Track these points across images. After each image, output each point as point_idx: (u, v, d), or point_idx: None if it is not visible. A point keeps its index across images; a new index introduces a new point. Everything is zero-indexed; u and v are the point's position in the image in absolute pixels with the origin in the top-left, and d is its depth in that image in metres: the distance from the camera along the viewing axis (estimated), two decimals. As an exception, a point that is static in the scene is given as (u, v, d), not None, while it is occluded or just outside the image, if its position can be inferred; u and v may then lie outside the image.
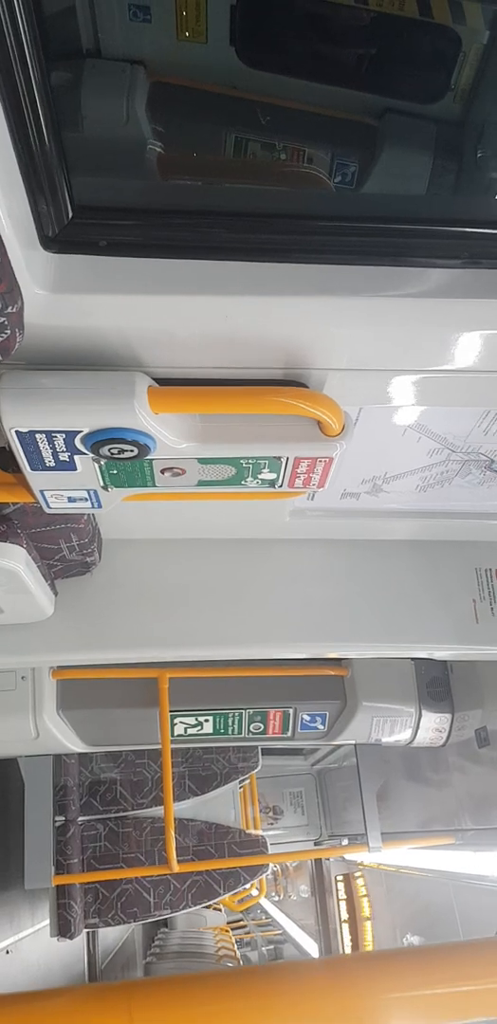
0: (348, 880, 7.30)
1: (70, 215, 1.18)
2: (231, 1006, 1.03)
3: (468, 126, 1.76)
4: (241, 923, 10.31)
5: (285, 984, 1.08)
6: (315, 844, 6.76)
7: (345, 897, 7.13)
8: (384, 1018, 1.15)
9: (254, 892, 5.20)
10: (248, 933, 10.40)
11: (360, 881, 6.99)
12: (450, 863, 4.34)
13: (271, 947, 10.06)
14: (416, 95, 1.76)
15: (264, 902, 8.59)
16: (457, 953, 1.21)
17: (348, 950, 7.17)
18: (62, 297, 1.20)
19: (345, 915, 7.11)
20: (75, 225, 1.19)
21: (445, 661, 3.59)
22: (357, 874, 7.00)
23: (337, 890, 7.52)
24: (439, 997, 1.12)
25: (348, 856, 6.85)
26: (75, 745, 3.41)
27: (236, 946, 7.81)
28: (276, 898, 9.91)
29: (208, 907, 7.10)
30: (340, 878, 7.58)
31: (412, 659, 3.52)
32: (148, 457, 1.40)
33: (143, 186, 1.46)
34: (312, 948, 7.78)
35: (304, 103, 1.76)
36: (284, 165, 1.66)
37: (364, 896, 6.86)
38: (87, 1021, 0.99)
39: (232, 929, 9.05)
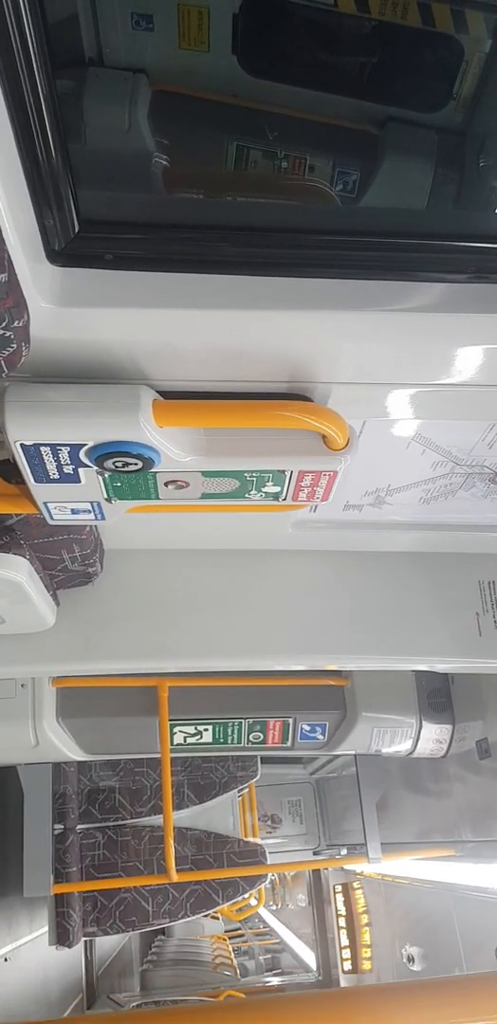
0: (346, 890, 7.27)
1: (76, 229, 1.18)
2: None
3: (470, 135, 1.77)
4: (239, 931, 10.27)
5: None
6: (314, 853, 6.73)
7: (344, 911, 7.10)
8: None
9: (253, 902, 5.18)
10: (246, 942, 10.36)
11: (359, 891, 6.96)
12: (450, 875, 4.32)
13: (268, 956, 10.02)
14: (418, 104, 1.76)
15: (262, 911, 8.55)
16: (467, 986, 1.20)
17: (346, 960, 7.14)
18: (68, 311, 1.20)
19: (343, 924, 7.07)
20: (81, 239, 1.18)
21: (446, 673, 3.59)
22: (355, 884, 6.97)
23: (335, 900, 7.49)
24: None
25: (347, 866, 6.83)
26: (74, 753, 3.40)
27: (233, 954, 7.78)
28: (274, 907, 9.87)
29: (206, 916, 7.09)
30: (338, 888, 7.55)
31: (413, 670, 3.51)
32: (152, 470, 1.40)
33: (148, 200, 1.46)
34: (309, 958, 7.75)
35: (306, 112, 1.77)
36: (288, 178, 1.66)
37: (363, 908, 6.83)
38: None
39: (230, 938, 9.02)
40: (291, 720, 3.48)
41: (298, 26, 1.58)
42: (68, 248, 1.18)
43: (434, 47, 1.62)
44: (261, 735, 3.51)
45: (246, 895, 4.17)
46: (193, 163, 1.73)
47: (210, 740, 3.53)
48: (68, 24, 1.47)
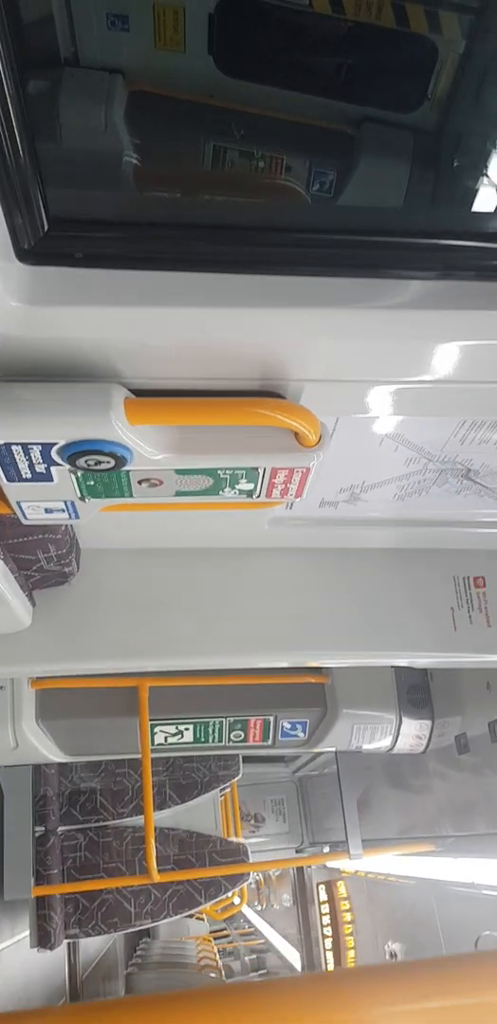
0: (330, 887, 7.30)
1: (46, 228, 1.17)
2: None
3: (445, 135, 1.78)
4: (224, 932, 10.26)
5: (259, 1002, 1.08)
6: (297, 852, 6.75)
7: (327, 909, 7.13)
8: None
9: (235, 901, 5.18)
10: (231, 943, 10.36)
11: (342, 889, 6.99)
12: (431, 870, 4.36)
13: (254, 956, 10.03)
14: (393, 104, 1.77)
15: (247, 911, 8.57)
16: (444, 967, 1.21)
17: (330, 957, 7.16)
18: (38, 310, 1.20)
19: (327, 922, 7.10)
20: (51, 238, 1.18)
21: (425, 668, 3.62)
22: (339, 882, 7.00)
23: (318, 897, 7.52)
24: (428, 1012, 1.12)
25: (330, 864, 6.85)
26: (54, 755, 3.39)
27: (218, 955, 7.78)
28: (259, 907, 9.88)
29: (190, 916, 7.08)
30: (322, 885, 7.58)
31: (392, 666, 3.54)
32: (125, 468, 1.40)
33: (119, 198, 1.45)
34: (294, 957, 7.77)
35: (282, 112, 1.78)
36: (261, 177, 1.67)
37: (346, 907, 6.86)
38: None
39: (215, 939, 9.02)
40: (272, 718, 3.49)
41: (274, 26, 1.59)
42: (37, 246, 1.18)
43: (409, 48, 1.63)
44: (242, 734, 3.52)
45: (229, 894, 4.18)
46: (169, 163, 1.73)
47: (191, 739, 3.54)
48: (43, 24, 1.46)
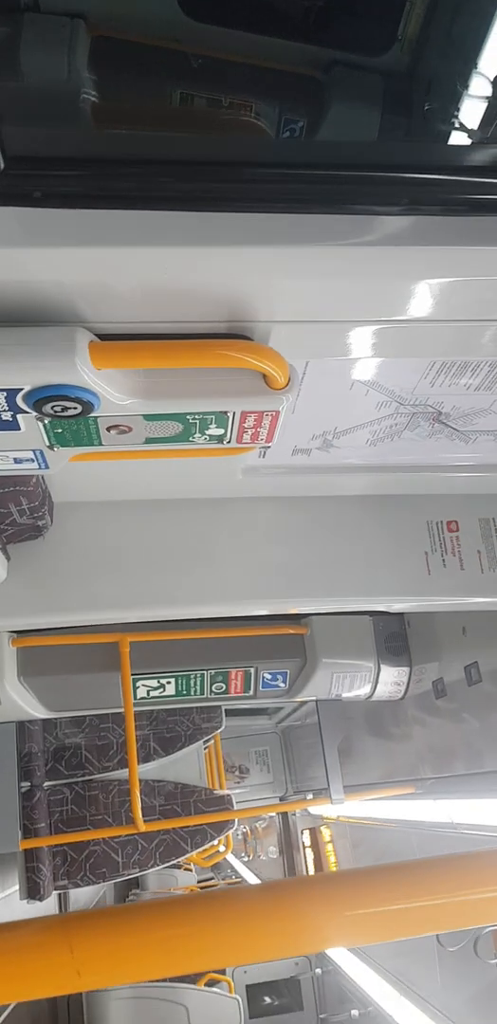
0: (314, 833, 7.46)
1: (2, 166, 1.15)
2: (172, 932, 1.05)
3: (415, 78, 1.76)
4: (212, 882, 10.48)
5: (227, 909, 1.11)
6: (281, 800, 6.88)
7: (312, 855, 7.30)
8: (327, 937, 1.20)
9: (221, 848, 5.28)
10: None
11: (326, 834, 7.15)
12: (412, 813, 4.46)
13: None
14: (362, 47, 1.74)
15: (234, 862, 8.75)
16: (408, 871, 1.26)
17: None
18: None
19: (311, 867, 7.28)
20: (8, 176, 1.16)
21: (403, 616, 3.66)
22: (322, 827, 7.15)
23: (303, 842, 7.69)
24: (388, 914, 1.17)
25: (314, 811, 7.00)
26: (38, 712, 3.41)
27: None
28: (246, 858, 10.09)
29: (178, 867, 7.21)
30: (306, 831, 7.75)
31: (370, 615, 3.58)
32: (93, 415, 1.39)
33: (79, 135, 1.43)
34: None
35: (250, 56, 1.74)
36: (225, 113, 1.64)
37: (330, 851, 7.02)
38: (28, 956, 1.01)
39: (202, 888, 9.20)
40: (252, 670, 3.53)
41: (239, -34, 1.56)
42: (-6, 186, 1.16)
43: (378, -12, 1.61)
44: (224, 686, 3.56)
45: (214, 842, 4.25)
46: (134, 106, 1.69)
47: (173, 693, 3.57)
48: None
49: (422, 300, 1.36)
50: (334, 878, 1.31)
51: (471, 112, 1.61)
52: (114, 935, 1.03)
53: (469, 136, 1.60)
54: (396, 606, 2.39)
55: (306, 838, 7.52)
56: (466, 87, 1.61)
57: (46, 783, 4.00)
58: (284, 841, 9.04)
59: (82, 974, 0.98)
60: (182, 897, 1.17)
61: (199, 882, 8.80)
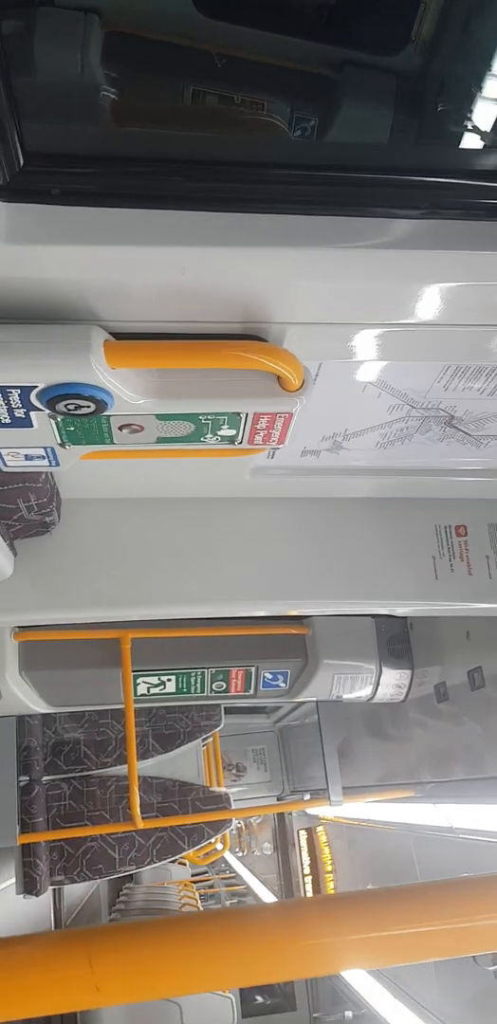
0: (310, 833, 7.46)
1: (21, 163, 1.14)
2: (194, 950, 1.05)
3: (429, 78, 1.75)
4: (206, 876, 10.49)
5: (248, 928, 1.11)
6: (278, 799, 6.88)
7: (308, 856, 7.30)
8: (340, 959, 1.19)
9: (218, 847, 5.28)
10: (212, 888, 10.59)
11: (322, 835, 7.15)
12: (410, 816, 4.45)
13: (235, 900, 10.26)
14: (376, 47, 1.73)
15: (229, 857, 8.75)
16: (409, 896, 1.25)
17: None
18: (14, 248, 1.17)
19: (307, 871, 7.27)
20: (27, 173, 1.15)
21: (405, 619, 3.66)
22: (319, 828, 7.15)
23: (299, 843, 7.68)
24: (393, 938, 1.16)
25: (310, 811, 6.99)
26: (38, 706, 3.40)
27: (200, 899, 7.95)
28: (240, 853, 10.10)
29: (173, 862, 7.21)
30: (303, 831, 7.74)
31: (372, 617, 3.57)
32: (105, 413, 1.38)
33: (97, 133, 1.41)
34: (270, 900, 7.96)
35: (263, 55, 1.73)
36: (242, 112, 1.63)
37: (327, 854, 7.02)
38: (47, 969, 1.00)
39: (196, 883, 9.20)
40: (253, 669, 3.52)
41: (255, -36, 1.54)
42: (13, 183, 1.14)
43: (391, -12, 1.59)
44: (224, 684, 3.55)
45: (211, 840, 4.26)
46: (148, 103, 1.68)
47: (173, 690, 3.56)
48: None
49: (439, 304, 1.35)
50: (354, 899, 1.30)
51: (488, 115, 1.60)
52: (135, 950, 1.02)
53: (482, 139, 1.59)
54: (403, 610, 2.38)
55: (303, 839, 7.53)
56: (481, 89, 1.60)
57: (44, 777, 4.00)
58: (279, 838, 9.04)
59: (101, 989, 0.97)
60: (203, 914, 1.16)
61: (193, 876, 8.81)
